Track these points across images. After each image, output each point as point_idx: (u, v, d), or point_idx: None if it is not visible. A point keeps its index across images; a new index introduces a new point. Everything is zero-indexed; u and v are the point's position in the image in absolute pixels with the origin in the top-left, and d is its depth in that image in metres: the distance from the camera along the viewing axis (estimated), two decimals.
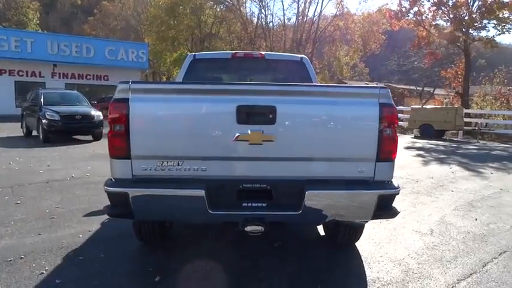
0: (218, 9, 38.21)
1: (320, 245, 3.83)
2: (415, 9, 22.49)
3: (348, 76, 34.96)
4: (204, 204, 2.53)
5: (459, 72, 23.48)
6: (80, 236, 3.82)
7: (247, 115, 2.56)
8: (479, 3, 20.49)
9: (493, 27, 20.90)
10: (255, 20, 35.24)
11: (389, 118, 2.64)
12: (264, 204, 2.65)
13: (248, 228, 2.55)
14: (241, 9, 34.87)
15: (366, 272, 3.16)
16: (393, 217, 2.74)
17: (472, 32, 21.70)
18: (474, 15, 20.68)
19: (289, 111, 2.60)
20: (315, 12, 29.84)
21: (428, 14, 22.72)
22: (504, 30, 20.45)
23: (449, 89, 26.87)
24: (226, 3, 34.86)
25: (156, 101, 2.61)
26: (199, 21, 39.13)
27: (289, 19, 31.97)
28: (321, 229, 4.06)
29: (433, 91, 26.92)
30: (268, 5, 31.83)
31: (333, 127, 2.66)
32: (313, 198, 2.56)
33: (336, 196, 2.64)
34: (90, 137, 12.66)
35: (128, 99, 2.56)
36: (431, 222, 4.55)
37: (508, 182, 7.21)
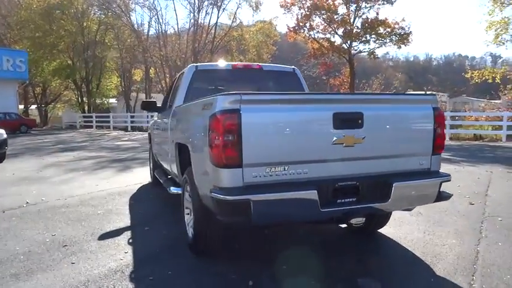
0: (103, 16, 35.97)
1: (349, 234, 4.27)
2: (308, 24, 24.83)
3: None
4: (316, 203, 2.76)
5: (345, 80, 26.62)
6: (122, 259, 3.59)
7: (341, 121, 2.88)
8: (362, 20, 23.73)
9: (374, 41, 24.35)
10: (147, 28, 34.23)
11: (440, 119, 3.23)
12: (355, 199, 2.98)
13: (353, 221, 2.87)
14: (131, 16, 33.54)
15: (408, 247, 3.72)
16: (447, 199, 3.33)
17: (356, 44, 24.94)
18: (358, 31, 23.83)
19: (373, 116, 2.99)
20: (209, 21, 30.36)
21: (319, 29, 25.30)
22: (381, 43, 24.03)
23: None
24: (114, 9, 33.09)
25: (263, 110, 2.76)
26: (81, 28, 36.34)
27: (183, 29, 31.84)
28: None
29: None
30: (160, 13, 31.16)
31: (403, 127, 3.16)
32: (399, 189, 3.00)
33: (416, 185, 3.13)
34: None
35: (239, 109, 2.66)
36: None
37: None
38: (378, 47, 24.83)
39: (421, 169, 3.23)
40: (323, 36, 25.48)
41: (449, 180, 3.31)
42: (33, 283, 3.10)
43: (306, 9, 24.59)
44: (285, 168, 2.80)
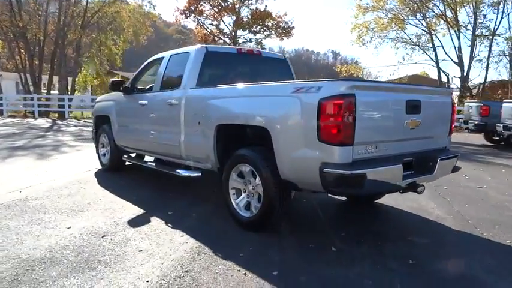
0: None
1: (352, 206, 4.92)
2: (197, 9, 24.61)
3: (122, 67, 33.37)
4: (400, 175, 3.31)
5: None
6: (187, 242, 3.51)
7: (410, 107, 3.48)
8: (251, 10, 24.81)
9: (262, 32, 25.68)
10: None
11: (454, 107, 4.11)
12: (413, 172, 3.61)
13: (419, 190, 3.50)
14: None
15: (415, 212, 4.58)
16: (458, 171, 4.22)
17: (246, 33, 25.95)
18: (248, 21, 24.79)
19: (425, 104, 3.64)
20: None
21: (208, 14, 25.35)
22: (267, 35, 25.59)
23: None
24: None
25: (367, 96, 3.14)
26: None
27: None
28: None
29: None
30: None
31: (438, 114, 3.93)
32: (441, 164, 3.74)
33: (450, 160, 3.92)
34: None
35: (355, 94, 3.00)
36: None
37: None
38: (264, 38, 26.47)
39: (442, 147, 4.07)
40: (211, 22, 25.75)
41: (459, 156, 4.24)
42: (124, 274, 2.87)
43: None
44: (376, 147, 3.26)
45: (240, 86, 4.03)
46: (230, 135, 4.04)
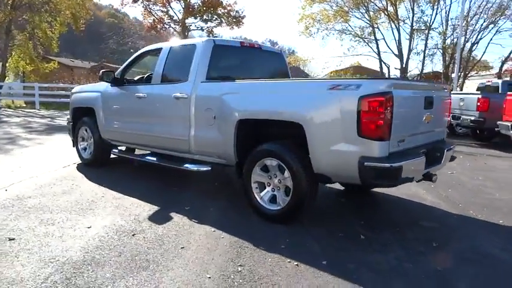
0: None
1: (351, 194, 5.21)
2: None
3: (57, 52, 30.59)
4: (423, 166, 3.60)
5: None
6: (223, 237, 3.54)
7: (427, 103, 3.79)
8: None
9: (214, 20, 25.22)
10: None
11: (450, 100, 4.53)
12: (427, 162, 3.93)
13: (433, 178, 3.83)
14: None
15: (410, 199, 4.97)
16: (454, 160, 4.64)
17: (197, 21, 25.32)
18: (199, 8, 24.18)
19: (436, 99, 3.97)
20: None
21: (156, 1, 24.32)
22: (218, 24, 25.21)
23: None
24: None
25: (401, 93, 3.37)
26: None
27: None
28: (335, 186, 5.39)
29: None
30: None
31: (443, 108, 4.29)
32: (447, 154, 4.11)
33: (452, 151, 4.30)
34: None
35: (392, 92, 3.21)
36: None
37: None
38: (215, 27, 26.10)
39: (441, 139, 4.46)
40: (160, 8, 24.76)
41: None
42: (181, 271, 2.85)
43: None
44: (403, 140, 3.51)
45: (265, 81, 4.07)
46: (251, 130, 4.08)
